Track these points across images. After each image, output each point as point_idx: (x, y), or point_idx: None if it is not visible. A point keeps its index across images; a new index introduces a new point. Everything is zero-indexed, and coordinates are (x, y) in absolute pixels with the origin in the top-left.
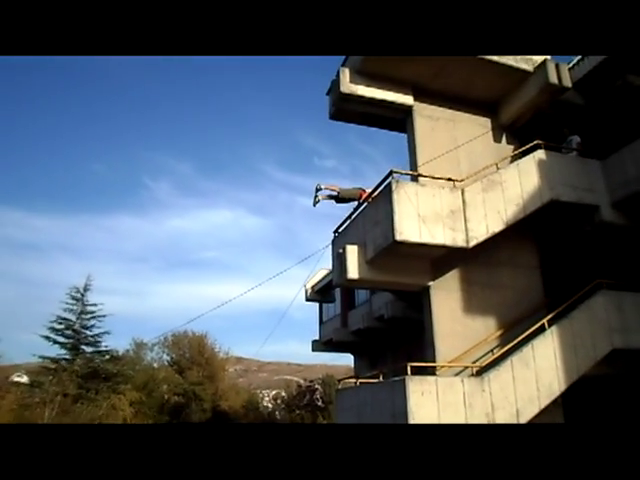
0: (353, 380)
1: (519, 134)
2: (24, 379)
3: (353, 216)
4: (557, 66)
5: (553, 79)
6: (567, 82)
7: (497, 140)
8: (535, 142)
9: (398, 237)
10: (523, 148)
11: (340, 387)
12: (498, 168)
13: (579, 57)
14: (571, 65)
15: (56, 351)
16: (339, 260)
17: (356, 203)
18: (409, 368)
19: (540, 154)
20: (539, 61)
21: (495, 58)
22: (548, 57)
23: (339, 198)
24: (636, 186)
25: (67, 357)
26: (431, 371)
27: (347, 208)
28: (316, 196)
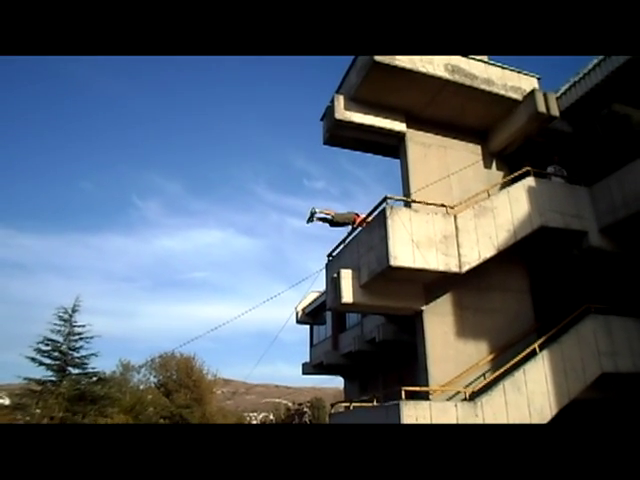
0: (346, 404)
1: (509, 160)
2: (6, 401)
3: (347, 240)
4: (545, 95)
5: (541, 108)
6: (555, 111)
7: (487, 166)
8: (525, 169)
9: (393, 262)
10: (513, 175)
11: (333, 411)
12: (489, 194)
13: (567, 86)
14: (559, 94)
15: (41, 372)
16: (333, 284)
17: (350, 227)
18: (403, 392)
19: (529, 181)
20: (528, 90)
21: (485, 87)
22: (536, 87)
23: (333, 222)
24: (623, 213)
25: (53, 379)
26: (424, 395)
27: (339, 229)
28: (311, 218)
